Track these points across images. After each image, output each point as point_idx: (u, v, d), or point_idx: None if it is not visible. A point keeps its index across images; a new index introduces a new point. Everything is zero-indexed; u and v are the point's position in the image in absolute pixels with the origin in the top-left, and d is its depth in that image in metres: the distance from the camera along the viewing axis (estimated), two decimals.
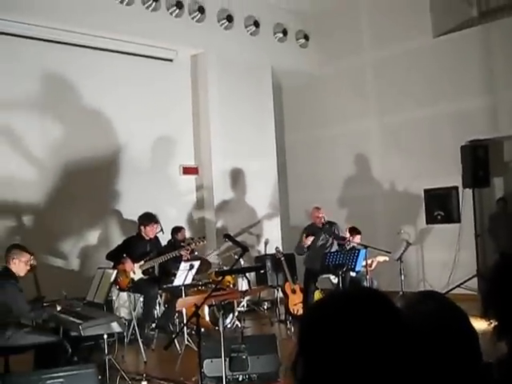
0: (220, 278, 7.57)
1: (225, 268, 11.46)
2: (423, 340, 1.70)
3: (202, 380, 6.54)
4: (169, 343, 7.17)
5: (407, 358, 1.52)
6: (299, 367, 1.58)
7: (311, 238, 10.38)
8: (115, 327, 7.09)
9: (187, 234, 12.16)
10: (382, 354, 1.52)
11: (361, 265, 9.96)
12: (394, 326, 1.56)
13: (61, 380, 6.15)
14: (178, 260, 10.01)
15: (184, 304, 7.98)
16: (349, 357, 1.52)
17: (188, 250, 10.29)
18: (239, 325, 10.58)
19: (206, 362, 6.93)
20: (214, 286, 10.51)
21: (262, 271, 12.19)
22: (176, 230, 11.48)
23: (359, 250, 9.92)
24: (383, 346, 1.53)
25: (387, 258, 11.12)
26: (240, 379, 7.17)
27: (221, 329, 6.23)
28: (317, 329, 1.60)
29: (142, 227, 10.21)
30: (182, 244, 11.09)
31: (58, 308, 7.59)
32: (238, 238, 10.89)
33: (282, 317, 11.39)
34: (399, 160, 13.63)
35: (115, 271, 8.05)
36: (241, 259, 11.21)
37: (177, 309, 9.19)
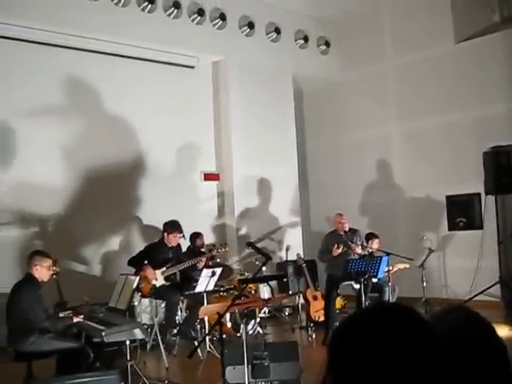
0: (243, 287, 7.52)
1: (246, 274, 11.47)
2: (452, 353, 1.68)
3: None
4: (192, 351, 7.16)
5: (439, 374, 1.51)
6: (329, 382, 1.58)
7: (340, 249, 10.26)
8: (138, 334, 7.09)
9: (209, 241, 12.20)
10: (414, 371, 1.50)
11: (383, 272, 9.90)
12: (424, 342, 1.55)
13: None
14: (197, 267, 10.05)
15: (207, 312, 7.98)
16: (380, 374, 1.51)
17: (208, 257, 10.33)
18: (261, 331, 10.58)
19: (229, 369, 6.91)
20: (235, 292, 10.59)
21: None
22: (195, 236, 11.51)
23: (381, 258, 9.86)
24: (415, 362, 1.51)
25: (407, 266, 11.07)
26: None
27: (244, 336, 6.21)
28: (347, 345, 1.59)
29: (166, 234, 10.24)
30: (203, 250, 11.13)
31: (75, 320, 7.56)
32: (259, 245, 10.90)
33: (304, 323, 11.35)
34: (421, 166, 13.58)
35: (138, 278, 8.06)
36: (260, 266, 11.32)
37: (199, 317, 9.21)
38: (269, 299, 9.70)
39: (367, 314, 1.68)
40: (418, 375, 1.50)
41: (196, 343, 9.51)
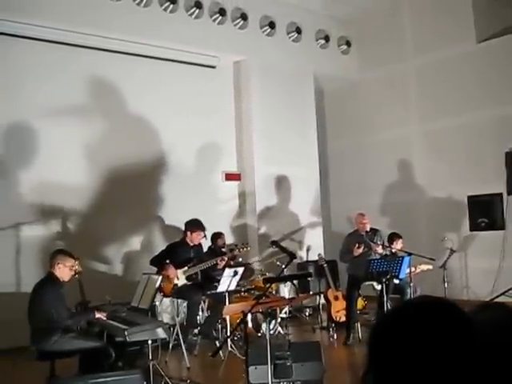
0: (268, 286, 7.50)
1: (267, 274, 11.46)
2: (494, 350, 1.64)
3: None
4: (216, 350, 7.18)
5: (481, 371, 1.49)
6: (369, 380, 1.55)
7: (361, 249, 10.25)
8: (160, 333, 7.08)
9: (229, 241, 12.22)
10: (457, 368, 1.48)
11: (405, 272, 9.86)
12: (467, 339, 1.52)
13: None
14: (217, 266, 10.08)
15: (231, 311, 7.96)
16: (422, 371, 1.47)
17: (229, 257, 10.33)
18: (282, 331, 10.58)
19: (251, 369, 6.90)
20: (256, 292, 10.59)
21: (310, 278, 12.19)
22: (216, 236, 11.52)
23: (403, 258, 9.82)
24: (457, 359, 1.49)
25: (431, 267, 10.98)
26: None
27: (267, 336, 6.21)
28: (387, 341, 1.56)
29: (189, 233, 10.24)
30: (224, 250, 11.14)
31: (97, 315, 7.57)
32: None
33: (324, 324, 11.35)
34: (442, 166, 13.54)
35: (160, 277, 8.05)
36: (283, 265, 11.29)
37: (223, 316, 9.21)
38: (292, 298, 9.69)
39: (407, 309, 1.65)
40: (460, 372, 1.48)
41: (217, 343, 9.56)
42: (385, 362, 1.54)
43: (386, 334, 1.58)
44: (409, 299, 1.66)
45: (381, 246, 10.46)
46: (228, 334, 9.40)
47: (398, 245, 10.73)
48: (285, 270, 9.33)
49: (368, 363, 1.59)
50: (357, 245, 10.13)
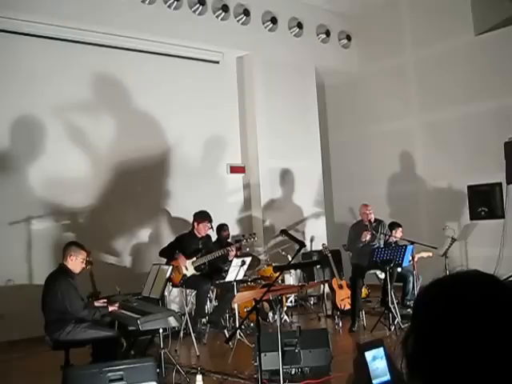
0: (279, 273, 7.70)
1: (273, 264, 11.65)
2: None
3: (256, 373, 6.76)
4: (230, 336, 7.35)
5: None
6: (409, 343, 1.62)
7: (369, 236, 10.44)
8: (172, 322, 7.20)
9: (235, 232, 12.40)
10: (497, 333, 1.51)
11: (408, 260, 10.08)
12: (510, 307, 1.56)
13: (121, 373, 6.29)
14: (224, 257, 10.27)
15: (242, 299, 8.10)
16: (460, 333, 1.52)
17: (237, 247, 10.50)
18: (288, 320, 10.78)
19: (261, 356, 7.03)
20: (262, 281, 10.81)
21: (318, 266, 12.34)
22: (220, 228, 11.68)
23: (407, 246, 10.03)
24: (498, 325, 1.51)
25: (430, 254, 11.18)
26: (293, 372, 7.26)
27: (278, 323, 6.40)
28: (430, 306, 1.61)
29: (195, 224, 10.39)
30: (229, 241, 11.34)
31: (111, 309, 7.71)
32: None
33: (329, 312, 11.54)
34: (442, 157, 13.71)
35: (170, 267, 8.18)
36: (288, 255, 11.49)
37: (234, 303, 9.39)
38: (303, 285, 9.85)
39: (454, 277, 1.68)
40: (501, 339, 1.51)
41: (226, 332, 9.77)
42: (425, 324, 1.60)
43: (432, 298, 1.64)
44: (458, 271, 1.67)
45: (383, 237, 10.66)
46: (236, 322, 9.60)
47: (397, 233, 10.97)
48: (292, 258, 9.55)
49: (411, 325, 1.65)
50: (365, 232, 10.35)
